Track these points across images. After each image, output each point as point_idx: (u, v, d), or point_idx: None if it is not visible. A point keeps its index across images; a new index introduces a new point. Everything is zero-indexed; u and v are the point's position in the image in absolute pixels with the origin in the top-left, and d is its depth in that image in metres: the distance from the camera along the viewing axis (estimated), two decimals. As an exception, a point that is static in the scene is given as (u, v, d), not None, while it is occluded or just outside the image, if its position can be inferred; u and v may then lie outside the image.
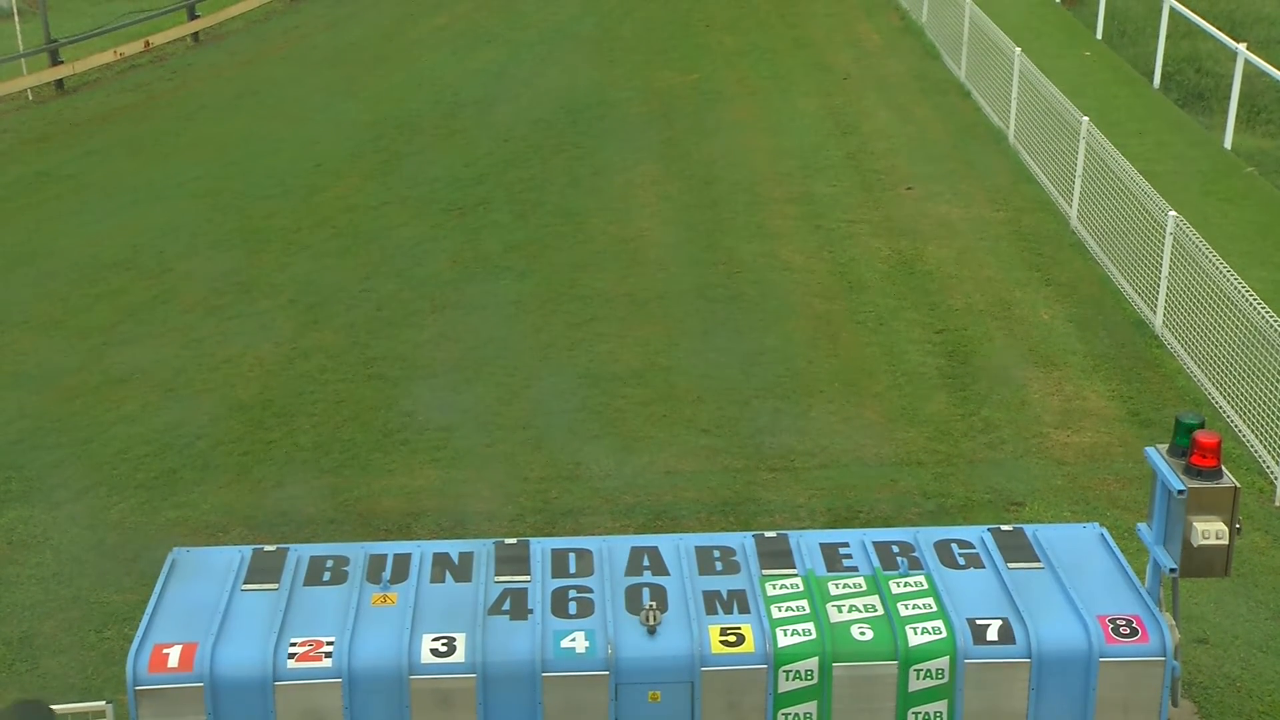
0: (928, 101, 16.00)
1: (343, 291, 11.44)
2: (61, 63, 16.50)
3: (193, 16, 18.21)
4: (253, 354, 10.31)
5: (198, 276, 11.74)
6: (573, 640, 5.20)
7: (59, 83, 16.44)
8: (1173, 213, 10.35)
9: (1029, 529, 5.95)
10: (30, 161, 14.60)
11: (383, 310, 11.01)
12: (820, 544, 5.73)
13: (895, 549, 5.74)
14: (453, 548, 5.70)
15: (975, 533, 5.89)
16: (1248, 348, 9.15)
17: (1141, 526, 5.87)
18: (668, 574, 5.55)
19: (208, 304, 11.23)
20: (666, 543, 5.72)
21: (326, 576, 5.54)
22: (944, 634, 5.29)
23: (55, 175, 14.18)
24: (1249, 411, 9.15)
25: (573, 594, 5.42)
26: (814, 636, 5.26)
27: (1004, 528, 5.96)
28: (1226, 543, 5.40)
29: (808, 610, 5.37)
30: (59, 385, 10.04)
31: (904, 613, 5.38)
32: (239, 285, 11.58)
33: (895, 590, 5.49)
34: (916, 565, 5.67)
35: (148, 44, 17.45)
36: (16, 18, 16.90)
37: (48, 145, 15.07)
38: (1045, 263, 12.03)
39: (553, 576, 5.52)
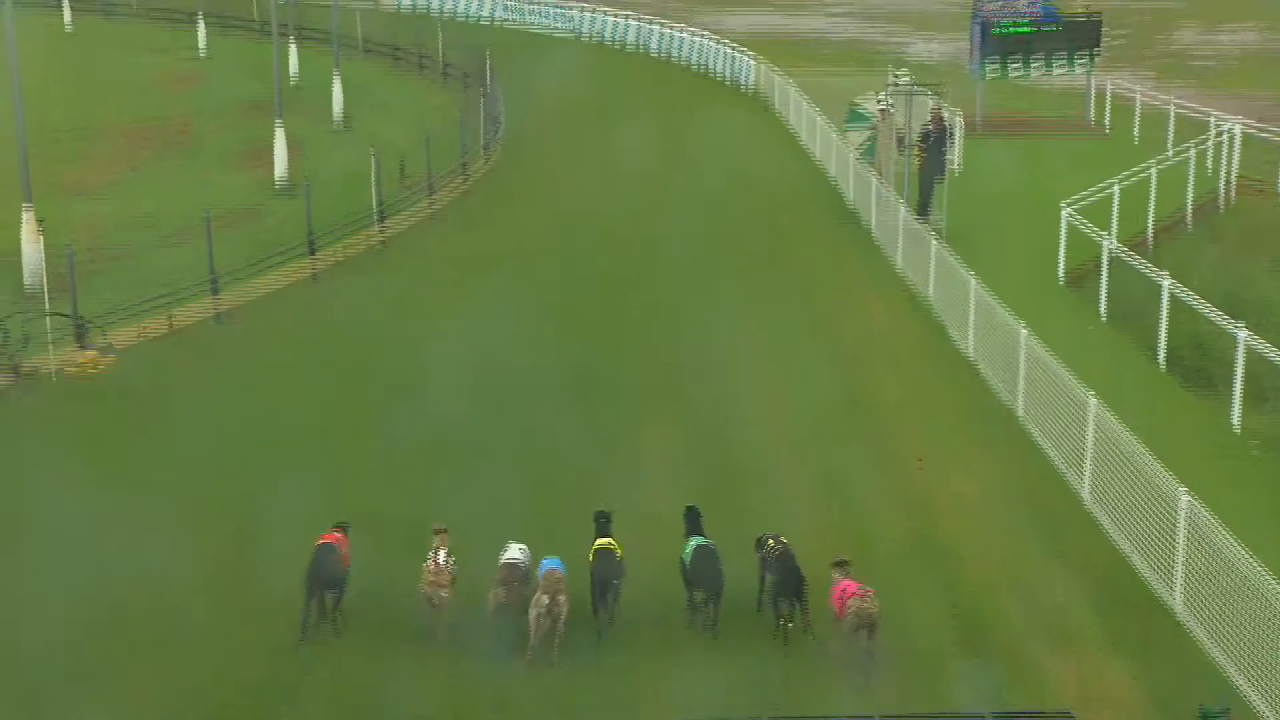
0: (937, 376, 16.58)
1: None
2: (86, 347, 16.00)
3: (215, 293, 18.94)
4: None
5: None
6: None
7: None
8: (1185, 494, 10.54)
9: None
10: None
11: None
12: None
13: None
14: None
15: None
16: (1272, 632, 9.13)
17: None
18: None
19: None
20: None
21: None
22: None
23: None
24: (1277, 699, 9.02)
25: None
26: None
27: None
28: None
29: None
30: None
31: None
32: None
33: None
34: None
35: (171, 323, 17.94)
36: (46, 297, 17.26)
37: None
38: (1059, 539, 12.20)
39: None
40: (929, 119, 23.34)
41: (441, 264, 21.29)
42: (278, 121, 27.13)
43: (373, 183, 22.74)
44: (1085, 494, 12.86)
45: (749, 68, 38.24)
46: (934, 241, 19.01)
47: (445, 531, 10.61)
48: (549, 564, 10.33)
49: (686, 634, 10.47)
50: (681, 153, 30.22)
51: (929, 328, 18.39)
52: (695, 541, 10.79)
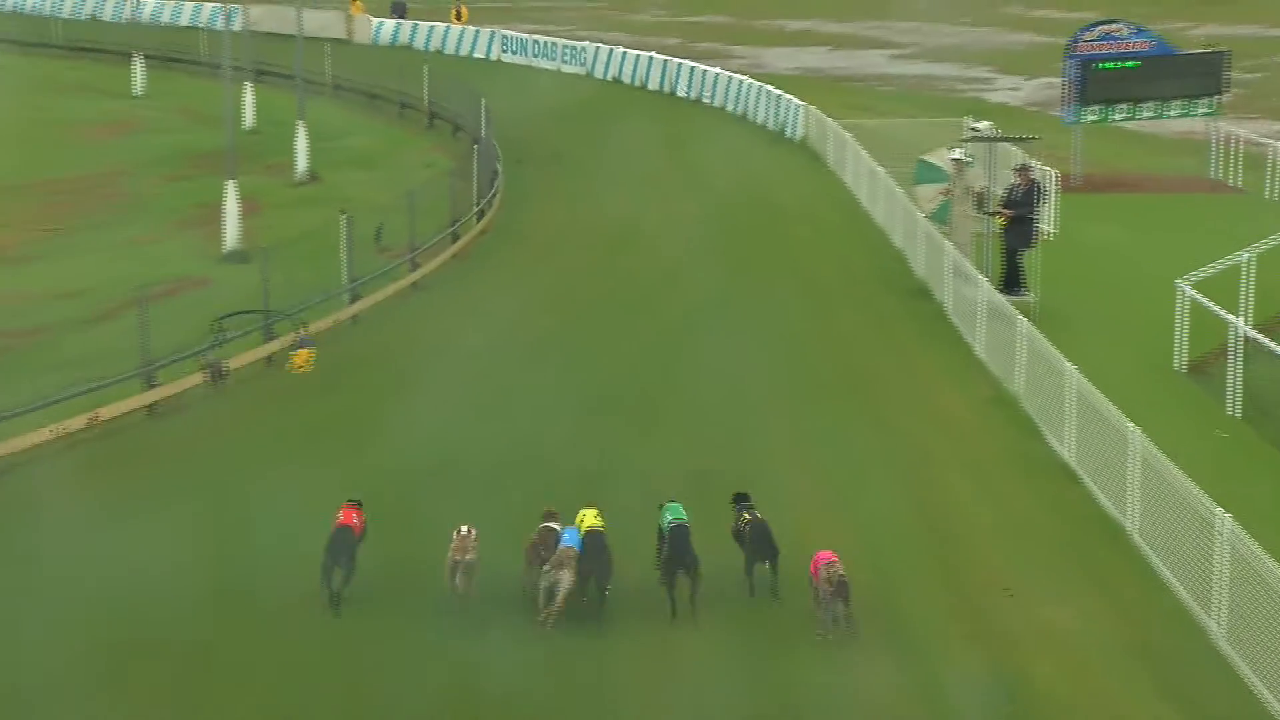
0: (1028, 487, 16.52)
1: None
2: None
3: (151, 385, 19.07)
4: None
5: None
6: None
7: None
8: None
9: None
10: None
11: None
12: None
13: None
14: None
15: None
16: None
17: None
18: None
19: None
20: None
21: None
22: None
23: None
24: None
25: None
26: None
27: None
28: None
29: None
30: None
31: None
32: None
33: None
34: None
35: (94, 417, 17.90)
36: None
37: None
38: (1184, 689, 12.02)
39: None
40: (1015, 175, 23.59)
41: (421, 353, 21.43)
42: (228, 176, 27.64)
43: (343, 249, 23.07)
44: (1216, 633, 12.68)
45: (796, 113, 38.86)
46: (1023, 322, 19.08)
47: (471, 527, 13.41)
48: (569, 539, 13.13)
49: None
50: (716, 216, 30.60)
51: (1017, 427, 18.35)
52: (672, 514, 13.65)
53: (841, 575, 12.91)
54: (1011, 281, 23.11)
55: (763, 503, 14.81)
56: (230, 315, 20.45)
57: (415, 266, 25.20)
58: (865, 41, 58.47)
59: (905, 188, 27.04)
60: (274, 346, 20.81)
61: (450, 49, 53.36)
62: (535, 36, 52.15)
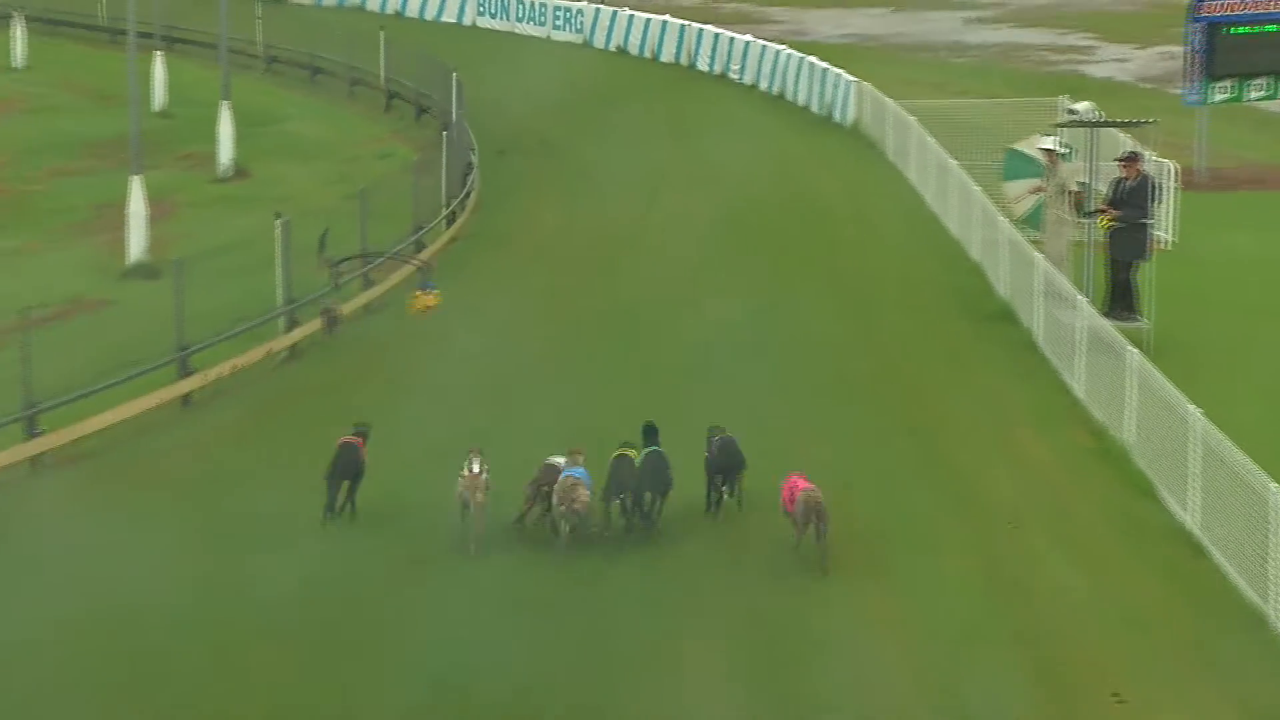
0: (1139, 560, 16.49)
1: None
2: None
3: (34, 434, 19.05)
4: None
5: None
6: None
7: None
8: None
9: None
10: None
11: None
12: None
13: None
14: None
15: None
16: None
17: None
18: None
19: None
20: None
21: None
22: None
23: None
24: None
25: None
26: None
27: None
28: None
29: None
30: None
31: None
32: None
33: None
34: None
35: None
36: None
37: None
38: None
39: None
40: (1120, 167, 23.63)
41: (372, 393, 21.40)
42: (133, 170, 27.78)
43: (278, 264, 23.15)
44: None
45: (847, 92, 39.03)
46: (1134, 354, 19.08)
47: (478, 449, 16.49)
48: (571, 472, 16.14)
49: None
50: (744, 219, 30.70)
51: (1125, 484, 18.32)
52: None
53: (819, 501, 15.90)
54: (1119, 303, 23.12)
55: (795, 584, 14.82)
56: (346, 259, 24.23)
57: (368, 284, 25.27)
58: (934, 1, 58.75)
59: (985, 184, 27.12)
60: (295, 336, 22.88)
61: (413, 11, 53.66)
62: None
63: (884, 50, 49.89)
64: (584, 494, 15.99)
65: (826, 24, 54.45)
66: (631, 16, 48.73)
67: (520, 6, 51.80)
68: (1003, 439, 20.02)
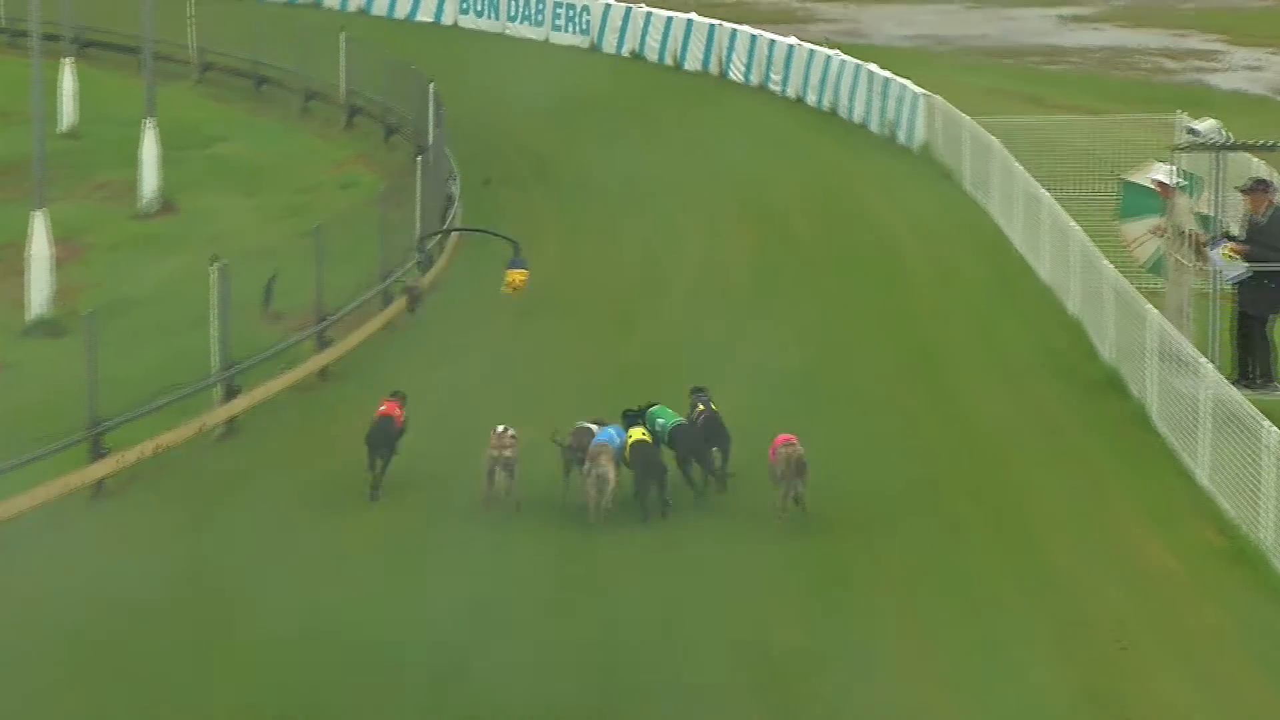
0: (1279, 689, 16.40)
1: None
2: None
3: None
4: None
5: None
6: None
7: None
8: None
9: None
10: None
11: None
12: None
13: None
14: None
15: None
16: None
17: None
18: None
19: None
20: None
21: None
22: None
23: None
24: None
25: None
26: None
27: None
28: None
29: None
30: None
31: None
32: None
33: None
34: None
35: None
36: None
37: None
38: None
39: None
40: (1245, 199, 23.64)
41: (325, 483, 21.37)
42: (36, 203, 27.85)
43: (213, 319, 23.21)
44: None
45: (914, 107, 39.19)
46: (1272, 432, 19.04)
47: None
48: (603, 437, 19.65)
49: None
50: (786, 264, 30.75)
51: (1262, 594, 18.23)
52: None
53: (800, 455, 19.27)
54: (1254, 368, 23.09)
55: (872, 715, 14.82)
56: (433, 235, 29.35)
57: (324, 344, 25.32)
58: (1023, -3, 59.07)
59: (1085, 219, 27.13)
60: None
61: (381, 8, 54.05)
62: (512, -10, 52.83)
63: (959, 55, 50.13)
64: (606, 463, 19.24)
65: (889, 23, 54.78)
66: (649, 15, 49.06)
67: (512, 3, 52.14)
68: (1108, 537, 19.92)
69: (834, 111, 42.53)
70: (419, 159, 31.83)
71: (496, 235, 29.22)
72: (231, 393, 23.31)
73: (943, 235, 33.18)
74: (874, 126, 40.83)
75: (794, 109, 43.48)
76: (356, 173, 37.49)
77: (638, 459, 19.69)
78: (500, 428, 19.66)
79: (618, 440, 19.74)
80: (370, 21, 51.92)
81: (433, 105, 35.77)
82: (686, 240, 32.92)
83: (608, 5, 49.96)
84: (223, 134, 41.03)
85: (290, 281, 26.08)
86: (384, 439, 20.39)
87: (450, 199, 32.56)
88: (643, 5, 49.46)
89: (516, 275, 27.71)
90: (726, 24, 47.21)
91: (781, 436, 19.76)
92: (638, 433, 19.97)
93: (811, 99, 43.52)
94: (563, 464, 19.88)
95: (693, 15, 48.09)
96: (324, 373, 25.08)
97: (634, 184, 36.25)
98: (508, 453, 19.45)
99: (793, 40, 45.12)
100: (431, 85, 36.48)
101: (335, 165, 38.71)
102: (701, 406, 20.64)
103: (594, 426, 19.93)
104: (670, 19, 48.32)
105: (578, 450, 19.62)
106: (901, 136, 39.70)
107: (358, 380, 24.89)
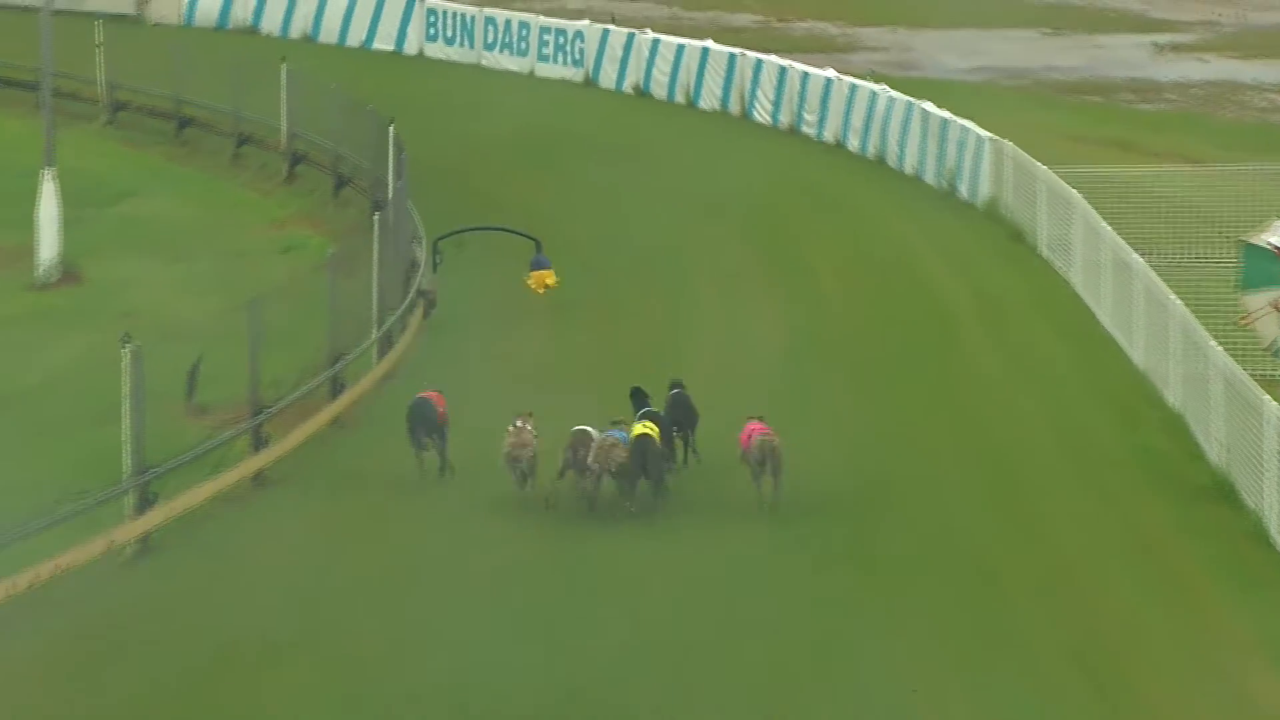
0: None
1: None
2: None
3: None
4: None
5: None
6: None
7: None
8: None
9: None
10: None
11: None
12: None
13: None
14: None
15: None
16: None
17: None
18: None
19: None
20: None
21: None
22: None
23: None
24: None
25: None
26: None
27: None
28: None
29: None
30: None
31: None
32: None
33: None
34: None
35: None
36: None
37: None
38: None
39: None
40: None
41: (260, 625, 21.33)
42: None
43: (125, 412, 23.23)
44: None
45: (979, 154, 39.25)
46: None
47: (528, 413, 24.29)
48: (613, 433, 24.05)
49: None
50: (836, 342, 30.76)
51: None
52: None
53: (774, 445, 23.41)
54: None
55: None
56: (446, 235, 33.50)
57: (260, 443, 25.33)
58: (1110, 19, 59.29)
59: (1188, 291, 27.15)
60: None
61: (330, 34, 54.17)
62: (491, 11, 52.92)
63: (1034, 91, 50.32)
64: (622, 453, 23.63)
65: (948, 52, 54.95)
66: (656, 42, 49.19)
67: (490, 28, 52.26)
68: (1219, 671, 19.96)
69: (881, 159, 42.71)
70: (376, 217, 31.84)
71: (516, 234, 34.16)
72: (146, 503, 23.27)
73: (1013, 310, 33.19)
74: (929, 177, 40.96)
75: (832, 156, 43.63)
76: (300, 234, 37.56)
77: (636, 451, 23.88)
78: (518, 422, 24.10)
79: (626, 440, 23.97)
80: (317, 50, 52.10)
81: (393, 151, 35.89)
82: (704, 316, 32.92)
83: (606, 30, 50.21)
84: (137, 187, 41.07)
85: (219, 367, 26.11)
86: (424, 422, 24.61)
87: (414, 264, 32.59)
88: (648, 31, 49.66)
89: (546, 276, 32.28)
90: (750, 53, 47.37)
91: (758, 427, 23.93)
92: (639, 427, 24.17)
93: (854, 144, 43.72)
94: (564, 462, 23.88)
95: (709, 43, 48.23)
96: (259, 478, 25.05)
97: (641, 247, 36.30)
98: (527, 452, 23.83)
99: (830, 73, 45.23)
100: (391, 127, 36.61)
101: (274, 225, 38.77)
102: (676, 390, 25.80)
103: (593, 431, 24.03)
104: (682, 47, 48.51)
105: (579, 449, 23.79)
106: (963, 190, 39.81)
107: (300, 487, 24.91)
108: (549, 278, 32.17)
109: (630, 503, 23.87)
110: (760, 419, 24.15)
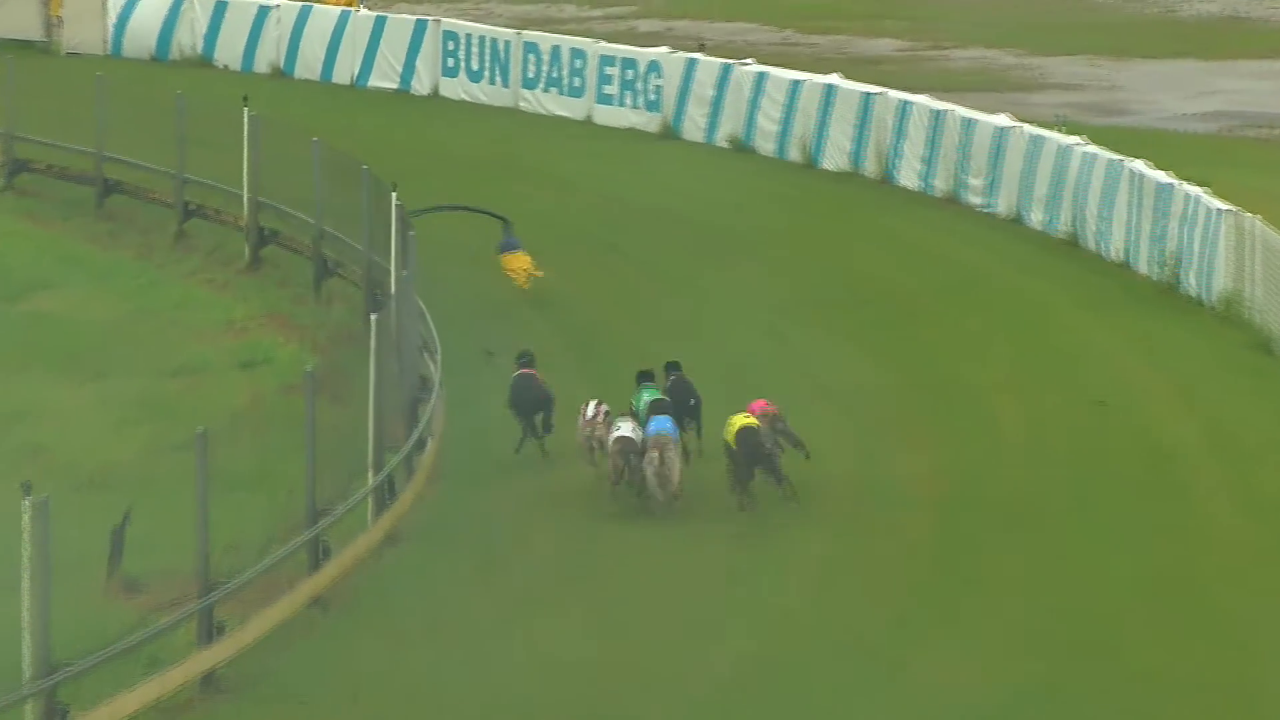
0: None
1: None
2: None
3: None
4: None
5: None
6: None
7: None
8: None
9: None
10: None
11: None
12: None
13: None
14: None
15: None
16: None
17: None
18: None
19: None
20: None
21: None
22: None
23: None
24: None
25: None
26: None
27: None
28: None
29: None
30: None
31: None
32: None
33: None
34: None
35: None
36: None
37: None
38: None
39: None
40: None
41: None
42: None
43: (25, 590, 23.41)
44: None
45: (1214, 233, 39.32)
46: None
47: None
48: (657, 426, 30.52)
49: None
50: (996, 505, 30.86)
51: None
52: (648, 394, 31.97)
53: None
54: None
55: None
56: (425, 211, 37.89)
57: (214, 634, 25.48)
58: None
59: None
60: None
61: (309, 69, 54.75)
62: (532, 36, 53.30)
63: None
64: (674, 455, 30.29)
65: (1169, 91, 55.21)
66: (762, 76, 49.48)
67: (532, 57, 52.56)
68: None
69: (1075, 239, 42.95)
70: (372, 318, 32.05)
71: (481, 213, 38.65)
72: (55, 715, 23.49)
73: (1260, 452, 33.16)
74: (1142, 265, 41.11)
75: (1007, 233, 43.95)
76: (267, 342, 37.82)
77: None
78: (591, 407, 31.35)
79: (675, 433, 30.71)
80: (292, 89, 52.66)
81: (397, 228, 36.07)
82: (829, 463, 32.86)
83: (691, 60, 50.50)
84: (45, 277, 41.46)
85: (155, 526, 26.33)
86: (529, 399, 32.02)
87: (426, 386, 32.83)
88: (750, 62, 49.94)
89: (522, 261, 36.92)
90: (892, 93, 47.56)
91: (758, 405, 31.28)
92: (740, 419, 30.58)
93: (1036, 218, 44.00)
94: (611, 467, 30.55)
95: (835, 78, 48.45)
96: (209, 681, 25.20)
97: (733, 363, 36.42)
98: (601, 432, 31.01)
99: (1004, 120, 45.46)
100: (394, 194, 36.78)
101: (231, 329, 39.07)
102: (674, 375, 32.85)
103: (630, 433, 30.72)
104: (797, 84, 48.81)
105: (630, 453, 30.47)
106: (1191, 283, 39.91)
107: (268, 693, 25.06)
108: (527, 263, 36.57)
109: (745, 499, 30.45)
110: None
